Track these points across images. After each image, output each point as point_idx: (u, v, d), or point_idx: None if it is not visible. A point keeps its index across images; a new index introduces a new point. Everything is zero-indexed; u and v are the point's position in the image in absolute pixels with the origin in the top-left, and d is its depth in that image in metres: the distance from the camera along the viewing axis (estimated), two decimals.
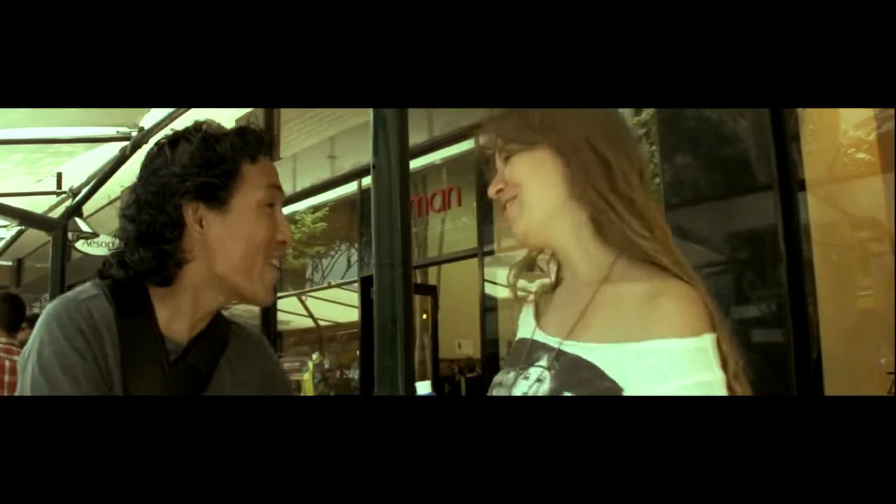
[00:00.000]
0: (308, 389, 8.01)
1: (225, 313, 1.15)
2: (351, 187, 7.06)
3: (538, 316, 1.06)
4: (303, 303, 8.35)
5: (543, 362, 0.97)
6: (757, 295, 3.63)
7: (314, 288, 8.19)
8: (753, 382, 0.91)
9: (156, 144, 1.07)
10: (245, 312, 7.37)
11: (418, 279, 7.23)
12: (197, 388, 1.06)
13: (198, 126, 1.06)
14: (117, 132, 4.07)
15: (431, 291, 7.16)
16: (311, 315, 8.44)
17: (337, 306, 7.79)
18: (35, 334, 0.99)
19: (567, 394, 0.91)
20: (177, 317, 1.05)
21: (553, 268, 1.07)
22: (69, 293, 1.04)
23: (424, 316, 7.10)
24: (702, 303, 0.87)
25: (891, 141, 3.55)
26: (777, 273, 3.60)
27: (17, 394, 1.00)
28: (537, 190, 0.98)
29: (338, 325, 8.18)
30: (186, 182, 1.01)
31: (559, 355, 0.95)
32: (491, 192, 1.02)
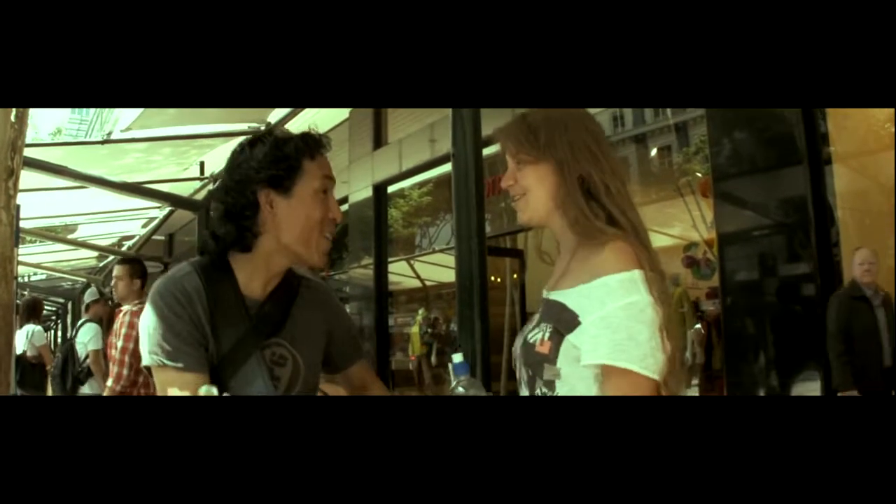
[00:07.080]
0: (416, 340, 8.46)
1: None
2: (450, 167, 6.90)
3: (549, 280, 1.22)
4: (411, 266, 8.49)
5: (539, 310, 1.16)
6: (807, 253, 3.88)
7: (421, 253, 8.29)
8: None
9: (239, 144, 1.22)
10: (361, 276, 7.80)
11: (509, 244, 7.32)
12: (274, 331, 1.21)
13: (270, 131, 1.21)
14: (248, 127, 4.70)
15: (519, 255, 7.28)
16: (418, 277, 8.63)
17: (441, 269, 7.94)
18: (147, 305, 1.16)
19: (545, 324, 1.09)
20: (253, 278, 1.21)
21: (553, 243, 1.24)
22: (168, 272, 1.21)
23: (515, 275, 7.25)
24: (631, 250, 1.04)
25: None
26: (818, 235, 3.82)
27: (140, 344, 1.16)
28: (539, 196, 1.14)
29: (442, 285, 8.42)
30: (261, 174, 1.16)
31: (546, 302, 1.14)
32: (503, 184, 1.17)
